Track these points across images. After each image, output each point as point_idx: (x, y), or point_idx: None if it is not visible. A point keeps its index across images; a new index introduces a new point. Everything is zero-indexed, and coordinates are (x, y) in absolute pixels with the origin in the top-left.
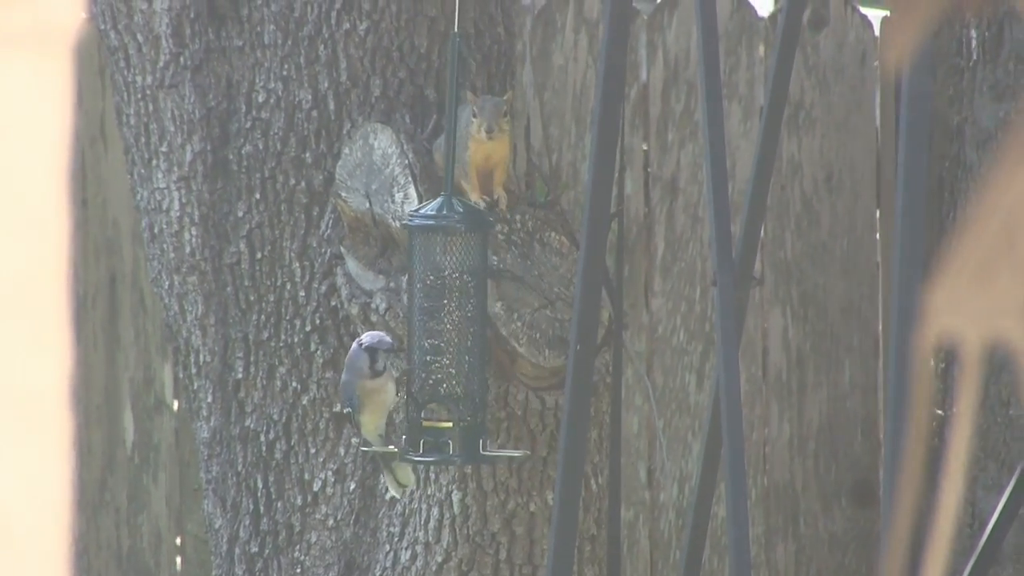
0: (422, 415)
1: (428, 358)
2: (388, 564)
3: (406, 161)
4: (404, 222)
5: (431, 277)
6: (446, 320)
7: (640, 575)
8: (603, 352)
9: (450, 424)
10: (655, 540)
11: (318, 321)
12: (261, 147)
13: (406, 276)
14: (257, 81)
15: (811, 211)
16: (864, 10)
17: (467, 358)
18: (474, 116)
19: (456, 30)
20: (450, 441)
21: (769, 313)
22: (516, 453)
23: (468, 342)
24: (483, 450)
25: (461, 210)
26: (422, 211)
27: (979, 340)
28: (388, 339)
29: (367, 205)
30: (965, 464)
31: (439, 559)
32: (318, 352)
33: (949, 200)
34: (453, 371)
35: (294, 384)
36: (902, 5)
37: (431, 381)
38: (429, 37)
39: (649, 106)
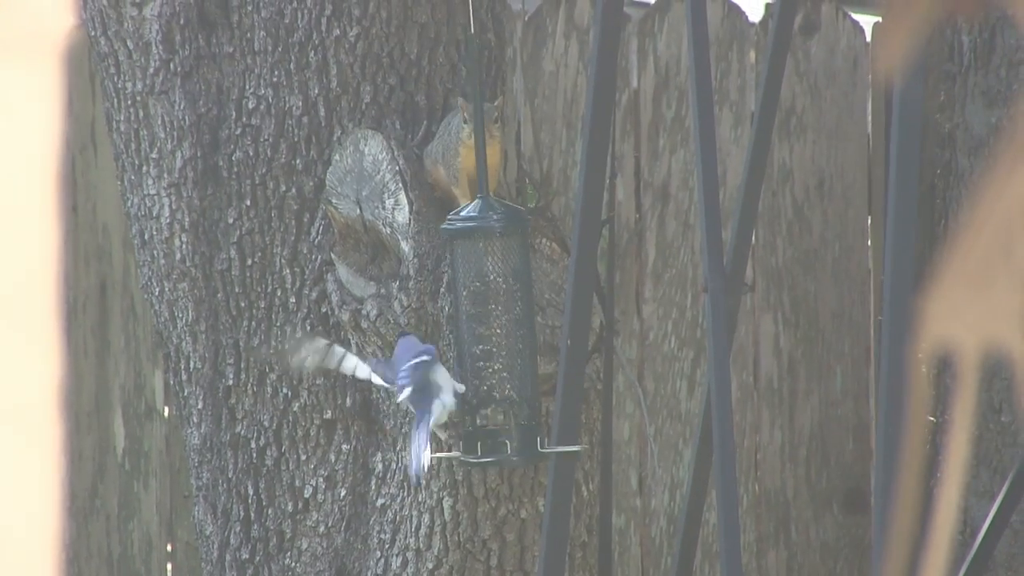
0: (478, 419)
1: (479, 364)
2: (379, 571)
3: (396, 167)
4: (443, 226)
5: (475, 283)
6: (495, 325)
7: None
8: (594, 359)
9: (507, 427)
10: (646, 547)
11: (309, 327)
12: (251, 153)
13: (397, 281)
14: (247, 87)
15: (802, 217)
16: (855, 16)
17: (519, 361)
18: (465, 122)
19: (472, 32)
20: (507, 441)
21: (760, 320)
22: (575, 448)
23: (519, 345)
24: (540, 448)
25: (500, 211)
26: (461, 214)
27: (975, 347)
28: None
29: (358, 211)
30: (961, 471)
31: (430, 566)
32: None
33: (941, 207)
34: (506, 375)
35: (285, 390)
36: (894, 11)
37: (485, 387)
38: (419, 43)
39: (640, 112)
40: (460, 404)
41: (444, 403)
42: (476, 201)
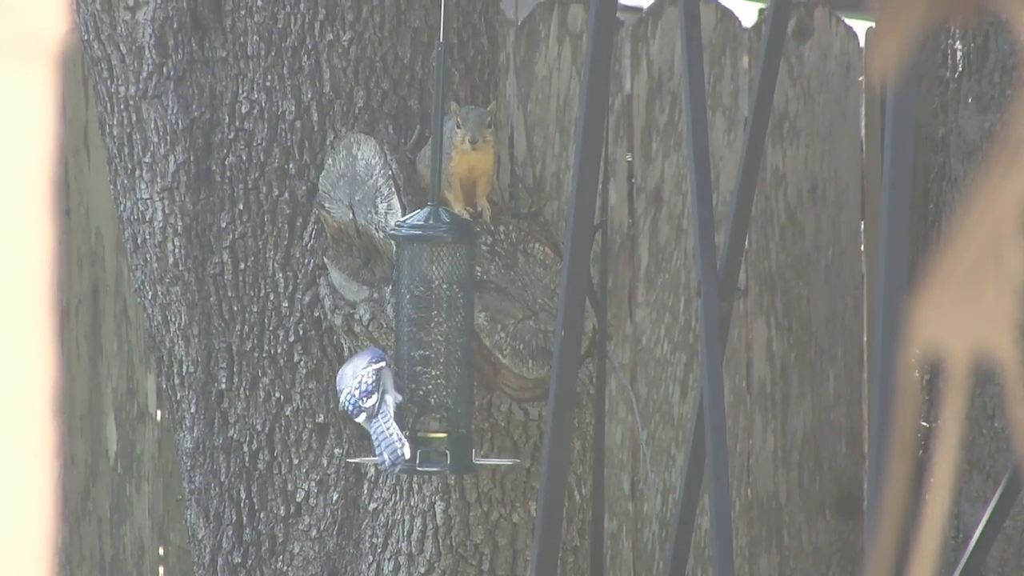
0: (414, 426)
1: (417, 369)
2: (371, 575)
3: (389, 172)
4: (391, 232)
5: (420, 288)
6: (435, 331)
7: None
8: (587, 363)
9: (443, 434)
10: (638, 551)
11: (301, 332)
12: (244, 158)
13: (390, 286)
14: (240, 92)
15: (795, 222)
16: (849, 21)
17: (456, 369)
18: (458, 127)
19: (441, 40)
20: (445, 451)
21: (753, 324)
22: (507, 462)
23: (457, 353)
24: (473, 459)
25: (448, 220)
26: (409, 221)
27: (966, 352)
28: None
29: (350, 216)
30: (951, 476)
31: (422, 570)
32: (301, 362)
33: (934, 212)
34: (443, 382)
35: (277, 395)
36: (887, 16)
37: (421, 392)
38: (412, 48)
39: (633, 117)
40: (400, 409)
41: (396, 398)
42: (427, 208)
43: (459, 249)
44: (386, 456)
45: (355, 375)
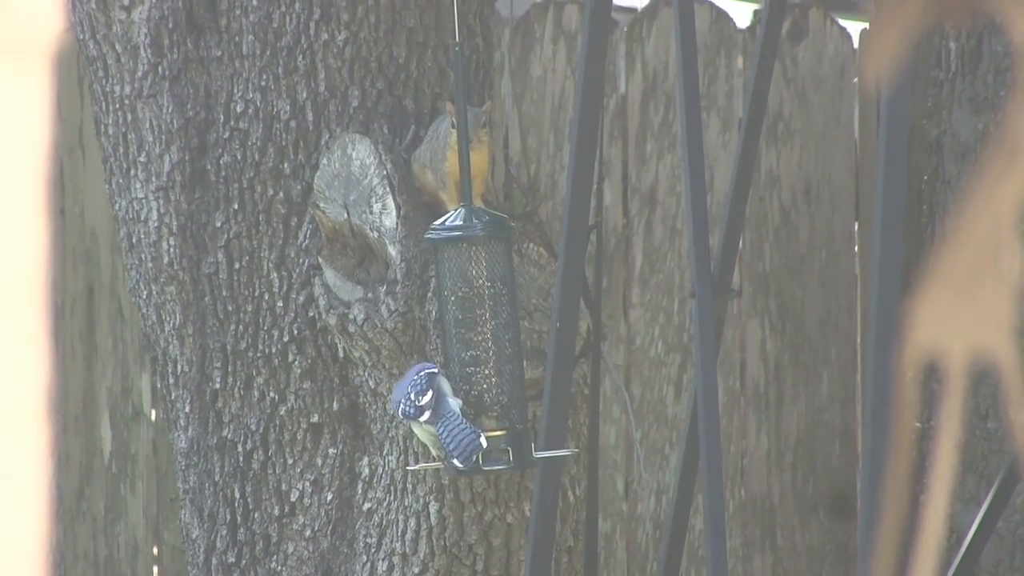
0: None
1: (469, 370)
2: (365, 575)
3: (384, 172)
4: (427, 236)
5: (463, 288)
6: (482, 330)
7: None
8: (581, 363)
9: (501, 432)
10: (632, 552)
11: (296, 332)
12: (239, 157)
13: (384, 286)
14: (235, 91)
15: (789, 223)
16: (843, 22)
17: (507, 366)
18: (452, 127)
19: (456, 39)
20: (508, 448)
21: (747, 325)
22: (566, 452)
23: (507, 350)
24: (533, 453)
25: (484, 218)
26: (445, 223)
27: (962, 353)
28: None
29: (345, 216)
30: (949, 477)
31: (416, 570)
32: (296, 362)
33: (928, 213)
34: (495, 379)
35: (272, 394)
36: (881, 17)
37: (475, 392)
38: (407, 48)
39: (627, 118)
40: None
41: (457, 402)
42: (460, 209)
43: (497, 246)
44: (463, 447)
45: (406, 384)
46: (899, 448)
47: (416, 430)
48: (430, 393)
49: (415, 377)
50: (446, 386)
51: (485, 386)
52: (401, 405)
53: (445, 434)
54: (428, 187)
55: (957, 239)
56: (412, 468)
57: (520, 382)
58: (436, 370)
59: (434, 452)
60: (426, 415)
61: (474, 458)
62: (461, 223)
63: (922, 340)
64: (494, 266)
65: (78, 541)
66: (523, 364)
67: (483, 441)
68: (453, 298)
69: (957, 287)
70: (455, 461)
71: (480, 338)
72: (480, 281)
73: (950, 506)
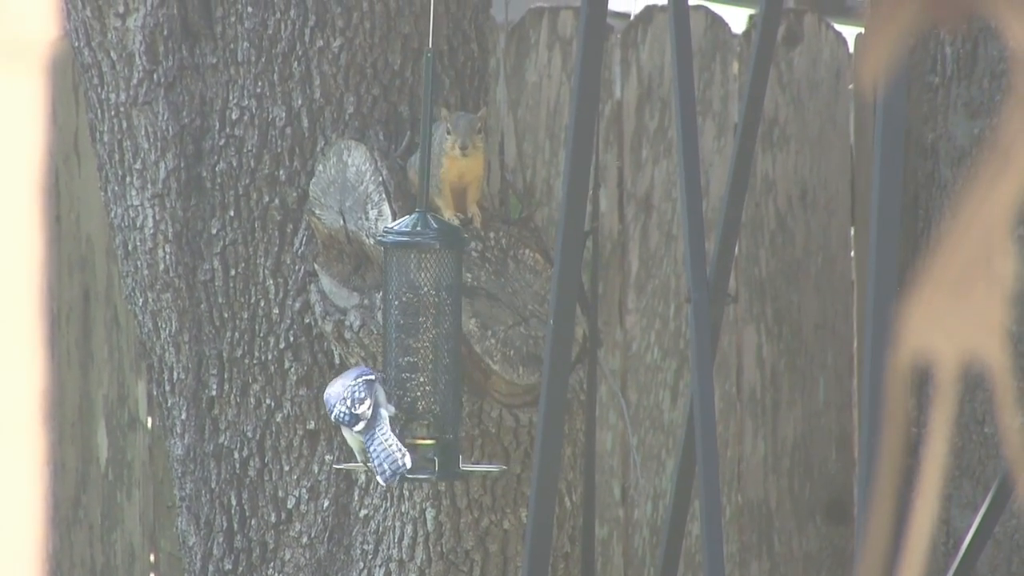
0: (402, 433)
1: (405, 375)
2: None
3: (380, 178)
4: (379, 238)
5: (407, 294)
6: (423, 337)
7: None
8: (577, 369)
9: (431, 441)
10: (629, 557)
11: (292, 338)
12: (235, 164)
13: (380, 293)
14: (231, 98)
15: (785, 228)
16: (838, 27)
17: (444, 375)
18: (448, 133)
19: (431, 47)
20: (434, 458)
21: (743, 330)
22: (493, 468)
23: (445, 360)
24: (460, 466)
25: (436, 227)
26: (397, 227)
27: (955, 357)
28: None
29: (341, 222)
30: (939, 482)
31: None
32: (292, 369)
33: (924, 217)
34: (430, 388)
35: (268, 401)
36: (876, 22)
37: (408, 398)
38: (403, 54)
39: (623, 123)
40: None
41: (390, 410)
42: (415, 214)
43: (447, 255)
44: (387, 467)
45: (344, 388)
46: (890, 452)
47: (347, 436)
48: (368, 402)
49: (353, 383)
50: (382, 395)
51: (419, 393)
52: (337, 409)
53: (373, 450)
54: None
55: (950, 242)
56: (338, 467)
57: (456, 393)
58: (374, 377)
59: (359, 459)
60: (360, 425)
61: (396, 478)
62: (410, 229)
63: (914, 343)
64: (442, 275)
65: (75, 549)
66: (459, 375)
67: (407, 462)
68: (397, 302)
69: (949, 290)
70: (377, 477)
71: (419, 345)
72: (425, 289)
73: (944, 511)
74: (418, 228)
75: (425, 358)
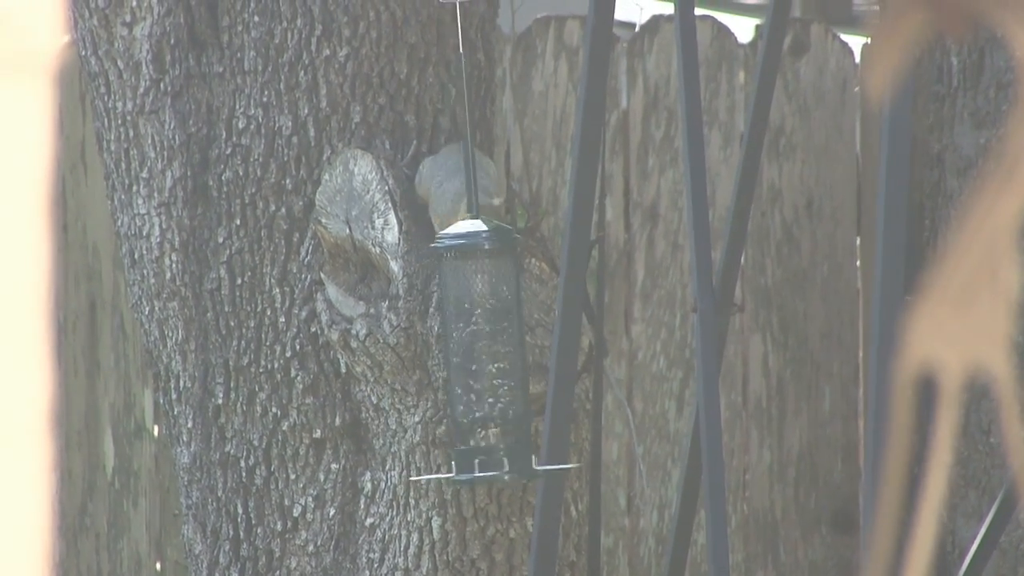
0: (474, 439)
1: (497, 382)
2: None
3: (386, 187)
4: (450, 244)
5: (491, 300)
6: (509, 342)
7: None
8: (583, 379)
9: (503, 443)
10: (635, 567)
11: (298, 347)
12: (241, 173)
13: (387, 301)
14: (237, 107)
15: (791, 238)
16: (845, 36)
17: (523, 376)
18: (463, 191)
19: (461, 50)
20: (506, 459)
21: (749, 340)
22: (568, 466)
23: (522, 360)
24: (534, 465)
25: (490, 230)
26: (462, 232)
27: (960, 367)
28: None
29: (347, 231)
30: (944, 492)
31: None
32: (298, 378)
33: (930, 228)
34: (520, 391)
35: (274, 410)
36: (882, 32)
37: (501, 404)
38: (409, 64)
39: (629, 132)
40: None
41: None
42: (474, 220)
43: (511, 260)
44: None
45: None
46: (895, 462)
47: None
48: None
49: None
50: None
51: (510, 398)
52: None
53: None
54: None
55: (955, 252)
56: (415, 479)
57: (527, 394)
58: None
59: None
60: None
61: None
62: (488, 235)
63: (919, 353)
64: (512, 279)
65: (81, 557)
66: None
67: None
68: (480, 310)
69: (954, 300)
70: None
71: (507, 350)
72: (506, 293)
73: (949, 521)
74: (484, 233)
75: (512, 363)
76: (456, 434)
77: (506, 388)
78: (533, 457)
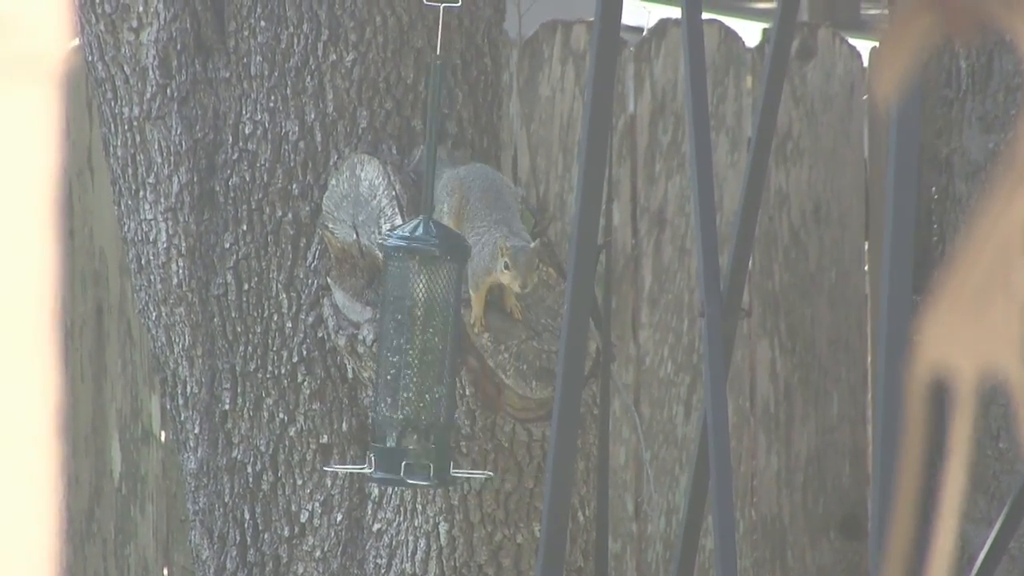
0: (403, 440)
1: (428, 383)
2: None
3: (393, 192)
4: (379, 241)
5: (407, 300)
6: (442, 343)
7: None
8: (590, 384)
9: (429, 447)
10: (642, 572)
11: (305, 352)
12: (248, 178)
13: (389, 302)
14: (244, 112)
15: (799, 242)
16: (852, 41)
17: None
18: (506, 267)
19: (439, 53)
20: (429, 463)
21: (757, 345)
22: (480, 474)
23: (451, 366)
24: (451, 472)
25: (436, 233)
26: (399, 232)
27: (973, 372)
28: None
29: (354, 236)
30: (959, 497)
31: None
32: (305, 383)
33: (938, 232)
34: (447, 397)
35: (281, 415)
36: (891, 36)
37: (423, 405)
38: (415, 68)
39: (636, 137)
40: (391, 422)
41: None
42: (418, 219)
43: (448, 265)
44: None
45: None
46: (909, 468)
47: None
48: None
49: None
50: None
51: (443, 403)
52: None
53: None
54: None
55: (967, 257)
56: (329, 469)
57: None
58: None
59: None
60: None
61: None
62: (412, 235)
63: (931, 358)
64: (438, 284)
65: (88, 563)
66: (454, 381)
67: None
68: (450, 312)
69: (967, 305)
70: None
71: (443, 354)
72: (454, 298)
73: (960, 526)
74: (419, 234)
75: (447, 367)
76: (374, 432)
77: (437, 393)
78: (451, 464)
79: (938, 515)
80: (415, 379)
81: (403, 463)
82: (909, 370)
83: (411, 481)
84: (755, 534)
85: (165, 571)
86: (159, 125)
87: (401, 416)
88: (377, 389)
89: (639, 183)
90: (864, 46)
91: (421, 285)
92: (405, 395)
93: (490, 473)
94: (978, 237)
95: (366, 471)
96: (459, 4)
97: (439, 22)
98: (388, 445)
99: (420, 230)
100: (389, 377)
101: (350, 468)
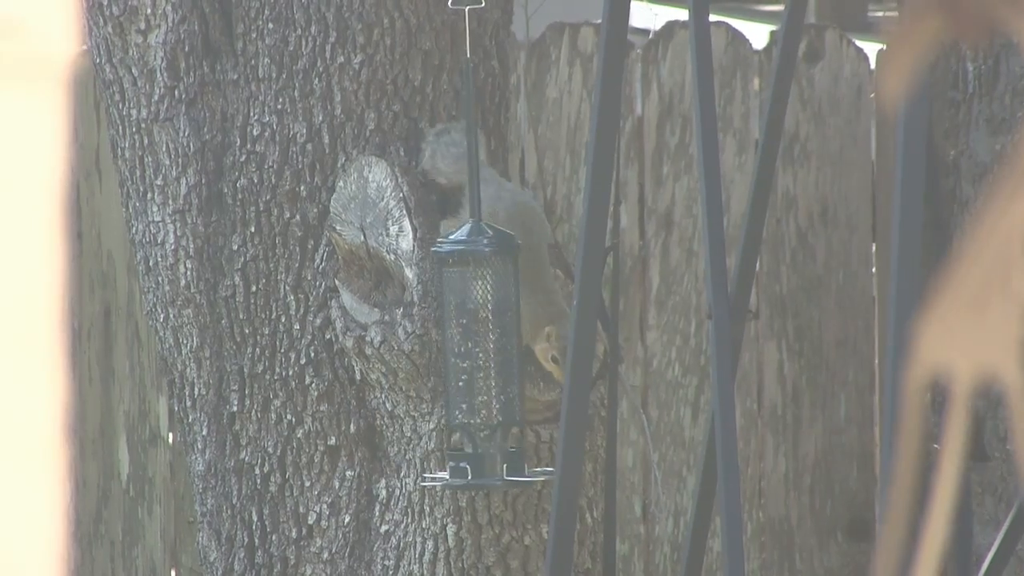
0: (476, 444)
1: (504, 384)
2: None
3: (401, 194)
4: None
5: (490, 306)
6: (517, 345)
7: None
8: (598, 386)
9: (496, 450)
10: (650, 574)
11: (313, 354)
12: (256, 180)
13: (401, 308)
14: (252, 114)
15: (806, 245)
16: (860, 43)
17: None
18: (547, 339)
19: (469, 56)
20: (504, 465)
21: (764, 347)
22: (540, 478)
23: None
24: (526, 472)
25: (491, 235)
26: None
27: (970, 374)
28: None
29: (362, 238)
30: (952, 498)
31: None
32: (313, 385)
33: (945, 234)
34: (516, 395)
35: (289, 417)
36: (898, 38)
37: (498, 406)
38: (423, 70)
39: (644, 139)
40: (468, 428)
41: None
42: (469, 224)
43: (505, 263)
44: None
45: None
46: (906, 468)
47: None
48: None
49: None
50: None
51: (517, 403)
52: None
53: None
54: None
55: (967, 258)
56: (424, 484)
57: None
58: None
59: None
60: None
61: None
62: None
63: (930, 359)
64: (501, 285)
65: (96, 565)
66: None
67: None
68: (510, 313)
69: (966, 306)
70: None
71: (512, 354)
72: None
73: (958, 527)
74: (471, 236)
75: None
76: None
77: (512, 392)
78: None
79: (930, 513)
80: (489, 381)
81: (502, 465)
82: (909, 371)
83: (484, 483)
84: (763, 536)
85: (173, 573)
86: (167, 127)
87: (479, 420)
88: (448, 397)
89: (647, 185)
90: (871, 48)
91: (482, 287)
92: (481, 399)
93: (543, 478)
94: (978, 238)
95: (458, 482)
96: (483, 4)
97: (465, 24)
98: (469, 451)
99: (472, 233)
100: (461, 383)
101: (447, 482)
